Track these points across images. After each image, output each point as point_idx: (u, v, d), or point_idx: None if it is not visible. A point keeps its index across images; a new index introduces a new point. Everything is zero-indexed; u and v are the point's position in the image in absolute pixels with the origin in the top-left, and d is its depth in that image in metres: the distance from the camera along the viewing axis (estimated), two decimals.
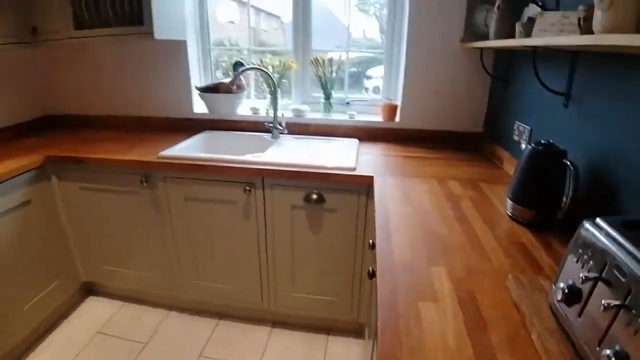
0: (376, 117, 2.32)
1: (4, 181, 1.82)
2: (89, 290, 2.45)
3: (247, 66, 2.25)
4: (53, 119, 2.72)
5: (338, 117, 2.31)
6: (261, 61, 2.34)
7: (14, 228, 1.91)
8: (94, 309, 2.32)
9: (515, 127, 1.77)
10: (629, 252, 0.66)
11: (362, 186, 1.73)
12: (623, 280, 0.65)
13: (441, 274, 1.00)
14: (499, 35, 1.63)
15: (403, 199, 1.46)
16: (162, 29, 2.00)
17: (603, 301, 0.66)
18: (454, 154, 2.06)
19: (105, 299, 2.40)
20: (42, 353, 2.01)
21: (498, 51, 2.01)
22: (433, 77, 2.15)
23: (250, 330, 2.14)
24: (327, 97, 2.29)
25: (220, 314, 2.23)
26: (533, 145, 1.25)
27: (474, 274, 1.00)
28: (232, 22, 2.47)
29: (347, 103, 2.36)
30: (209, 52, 2.45)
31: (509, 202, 1.31)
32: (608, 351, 0.61)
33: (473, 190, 1.57)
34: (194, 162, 1.86)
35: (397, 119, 2.27)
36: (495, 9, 1.64)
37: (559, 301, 0.77)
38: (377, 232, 1.20)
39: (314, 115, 2.34)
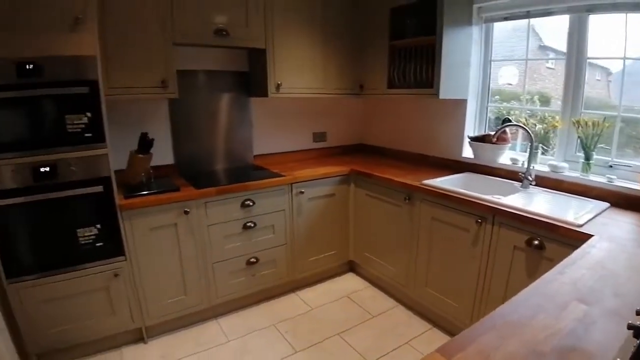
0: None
1: (326, 177, 2.94)
2: (351, 267, 3.36)
3: (510, 123, 2.60)
4: (364, 146, 3.89)
5: (595, 178, 2.32)
6: (526, 120, 2.63)
7: (322, 208, 2.98)
8: (349, 281, 3.21)
9: None
10: None
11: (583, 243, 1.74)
12: None
13: (577, 307, 1.14)
14: None
15: (603, 260, 1.48)
16: (445, 92, 2.65)
17: None
18: None
19: (359, 278, 3.25)
20: (308, 292, 3.05)
21: None
22: None
23: None
24: (587, 157, 2.34)
25: (434, 322, 2.62)
26: None
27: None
28: (510, 84, 2.84)
29: (610, 166, 2.32)
30: (486, 108, 2.91)
31: None
32: None
33: None
34: (444, 192, 2.37)
35: None
36: None
37: None
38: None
39: (570, 173, 2.42)
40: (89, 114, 2.04)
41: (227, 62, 3.01)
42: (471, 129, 2.97)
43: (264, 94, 2.87)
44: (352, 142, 3.88)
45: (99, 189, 2.11)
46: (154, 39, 2.36)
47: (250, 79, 3.11)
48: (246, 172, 3.01)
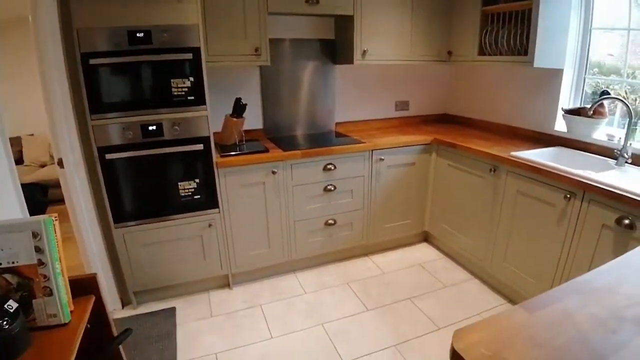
0: None
1: (407, 146, 2.95)
2: (425, 238, 3.39)
3: (607, 96, 2.38)
4: (447, 117, 3.79)
5: None
6: (626, 93, 2.40)
7: (401, 176, 3.02)
8: (423, 251, 3.26)
9: None
10: None
11: None
12: None
13: None
14: None
15: None
16: (541, 60, 2.48)
17: None
18: None
19: (432, 248, 3.28)
20: (380, 257, 3.18)
21: None
22: None
23: None
24: None
25: (509, 297, 2.59)
26: None
27: None
28: (611, 55, 2.57)
29: None
30: (584, 80, 2.68)
31: None
32: None
33: None
34: (533, 165, 2.27)
35: None
36: None
37: None
38: None
39: None
40: (191, 79, 2.25)
41: (313, 30, 3.08)
42: (566, 101, 2.77)
43: (350, 61, 2.90)
44: (436, 112, 3.79)
45: (199, 147, 2.35)
46: (249, 9, 2.50)
47: (336, 46, 3.15)
48: (328, 138, 3.12)
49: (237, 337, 2.29)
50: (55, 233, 1.05)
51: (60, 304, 1.05)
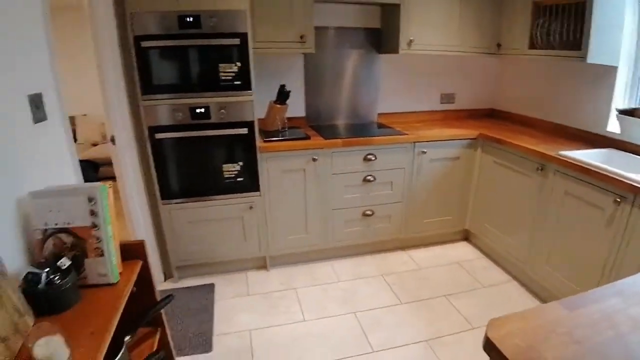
0: None
1: (451, 140, 2.89)
2: (466, 237, 3.31)
3: None
4: (495, 112, 3.67)
5: None
6: None
7: (443, 170, 2.97)
8: (462, 249, 3.18)
9: None
10: None
11: None
12: None
13: None
14: None
15: None
16: (594, 56, 2.34)
17: None
18: None
19: (472, 247, 3.20)
20: (418, 252, 3.12)
21: None
22: None
23: None
24: None
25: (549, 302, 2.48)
26: None
27: None
28: None
29: None
30: (639, 79, 2.50)
31: None
32: None
33: None
34: (583, 165, 2.16)
35: None
36: None
37: None
38: None
39: None
40: (238, 64, 2.31)
41: (359, 18, 3.06)
42: (620, 101, 2.60)
43: (395, 50, 2.86)
44: (482, 106, 3.67)
45: (244, 131, 2.42)
46: None
47: (381, 35, 3.12)
48: (370, 128, 3.11)
49: (272, 316, 2.36)
50: (109, 200, 1.12)
51: (111, 264, 1.12)
